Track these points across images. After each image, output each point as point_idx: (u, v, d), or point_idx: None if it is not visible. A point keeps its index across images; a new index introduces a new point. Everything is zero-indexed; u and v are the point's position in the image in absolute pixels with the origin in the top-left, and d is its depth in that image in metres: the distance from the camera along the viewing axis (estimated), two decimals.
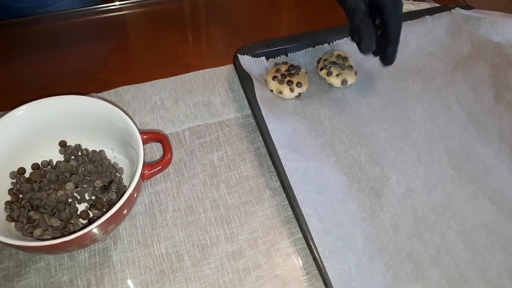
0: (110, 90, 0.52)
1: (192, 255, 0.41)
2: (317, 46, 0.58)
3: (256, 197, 0.45)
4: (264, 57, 0.55)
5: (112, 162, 0.43)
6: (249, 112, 0.52)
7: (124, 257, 0.40)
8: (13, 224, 0.38)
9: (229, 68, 0.56)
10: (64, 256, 0.40)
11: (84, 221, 0.40)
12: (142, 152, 0.37)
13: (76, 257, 0.40)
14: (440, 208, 0.45)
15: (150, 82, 0.54)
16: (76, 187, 0.42)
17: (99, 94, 0.52)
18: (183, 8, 0.64)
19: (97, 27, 0.60)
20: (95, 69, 0.55)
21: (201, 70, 0.56)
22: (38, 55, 0.56)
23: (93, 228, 0.33)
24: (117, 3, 0.62)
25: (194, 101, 0.53)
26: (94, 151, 0.44)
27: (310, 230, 0.40)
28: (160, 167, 0.39)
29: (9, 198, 0.39)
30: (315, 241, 0.39)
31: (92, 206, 0.41)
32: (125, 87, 0.53)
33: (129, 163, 0.43)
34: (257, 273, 0.40)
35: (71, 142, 0.44)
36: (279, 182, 0.46)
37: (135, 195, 0.37)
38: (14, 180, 0.40)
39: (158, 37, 0.60)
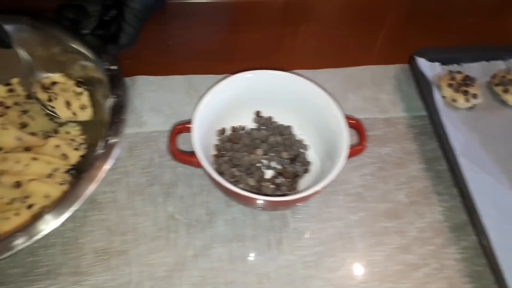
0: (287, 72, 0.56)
1: (363, 240, 0.43)
2: (491, 61, 0.57)
3: (424, 199, 0.46)
4: (438, 63, 0.55)
5: (297, 139, 0.47)
6: (418, 113, 0.53)
7: (300, 226, 0.44)
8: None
9: (397, 68, 0.57)
10: (248, 213, 0.44)
11: (272, 187, 0.44)
12: (349, 135, 0.40)
13: (258, 217, 0.44)
14: None
15: (322, 69, 0.57)
16: (264, 154, 0.45)
17: None
18: (359, 3, 0.66)
19: (279, 11, 0.64)
20: (271, 49, 0.59)
21: (370, 66, 0.57)
22: (222, 28, 0.61)
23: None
24: None
25: (363, 94, 0.55)
26: (282, 125, 0.47)
27: (491, 242, 0.40)
28: (355, 151, 0.42)
29: (215, 152, 0.44)
30: (495, 253, 0.40)
31: (279, 174, 0.44)
32: (299, 70, 0.56)
33: (314, 143, 0.46)
34: (425, 270, 0.42)
35: (265, 114, 0.48)
36: (447, 189, 0.47)
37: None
38: (219, 138, 0.45)
39: (329, 27, 0.62)
